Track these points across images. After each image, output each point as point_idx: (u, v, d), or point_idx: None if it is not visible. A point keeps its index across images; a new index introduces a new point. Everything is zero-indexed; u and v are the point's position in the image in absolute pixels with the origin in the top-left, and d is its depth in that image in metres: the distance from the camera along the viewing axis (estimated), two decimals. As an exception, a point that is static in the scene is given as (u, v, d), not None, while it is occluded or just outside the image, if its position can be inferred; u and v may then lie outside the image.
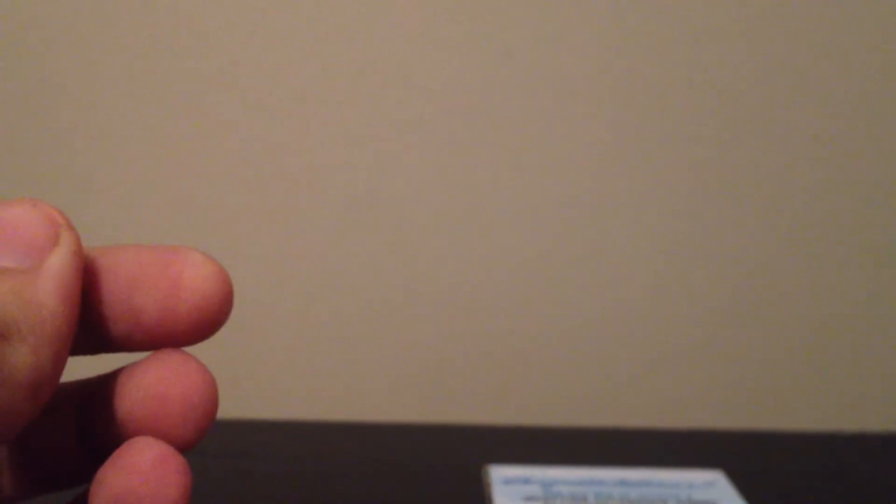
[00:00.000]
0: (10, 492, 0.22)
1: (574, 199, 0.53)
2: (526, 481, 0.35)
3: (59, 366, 0.19)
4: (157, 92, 0.55)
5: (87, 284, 0.20)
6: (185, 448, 0.20)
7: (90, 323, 0.21)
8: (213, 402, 0.20)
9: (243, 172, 0.55)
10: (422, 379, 0.55)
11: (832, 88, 0.52)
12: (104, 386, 0.21)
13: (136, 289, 0.21)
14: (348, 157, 0.53)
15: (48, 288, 0.19)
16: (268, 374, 0.53)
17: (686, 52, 0.52)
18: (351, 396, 0.56)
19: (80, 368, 0.23)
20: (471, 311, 0.54)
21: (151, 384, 0.20)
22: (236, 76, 0.54)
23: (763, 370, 0.50)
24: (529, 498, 0.33)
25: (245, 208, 0.54)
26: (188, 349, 0.21)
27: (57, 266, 0.19)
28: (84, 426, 0.21)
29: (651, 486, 0.34)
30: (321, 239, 0.54)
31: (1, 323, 0.18)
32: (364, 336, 0.55)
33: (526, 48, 0.51)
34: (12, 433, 0.18)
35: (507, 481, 0.35)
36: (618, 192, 0.53)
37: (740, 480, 0.35)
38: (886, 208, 0.50)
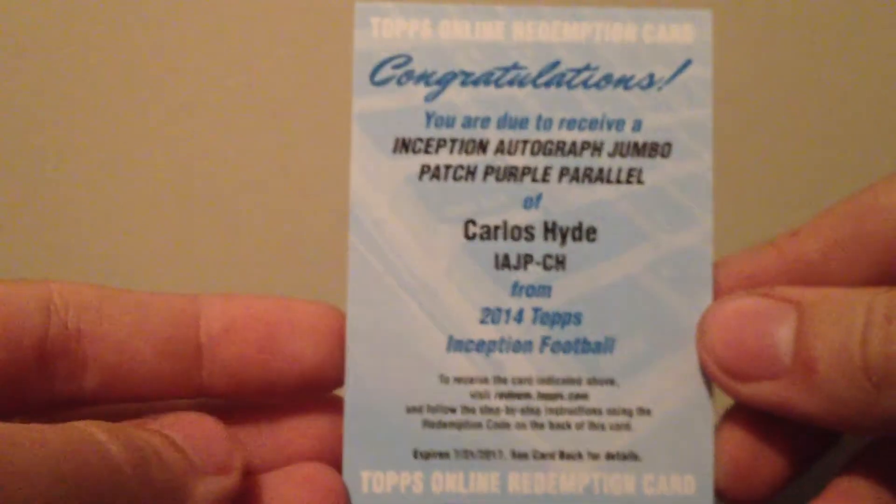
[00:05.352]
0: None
1: None
2: (405, 67, 0.26)
3: None
4: (150, 91, 0.50)
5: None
6: None
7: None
8: None
9: (240, 173, 0.51)
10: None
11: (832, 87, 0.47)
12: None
13: None
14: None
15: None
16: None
17: None
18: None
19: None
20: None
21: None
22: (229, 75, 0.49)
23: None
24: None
25: (246, 209, 0.51)
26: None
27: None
28: None
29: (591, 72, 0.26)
30: (323, 238, 0.51)
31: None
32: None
33: None
34: None
35: (379, 66, 0.26)
36: None
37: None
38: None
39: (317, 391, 0.25)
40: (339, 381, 0.25)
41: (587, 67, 0.26)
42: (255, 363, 0.24)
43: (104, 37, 0.52)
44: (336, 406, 0.25)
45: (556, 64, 0.26)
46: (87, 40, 0.52)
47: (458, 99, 0.25)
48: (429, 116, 0.25)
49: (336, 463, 0.24)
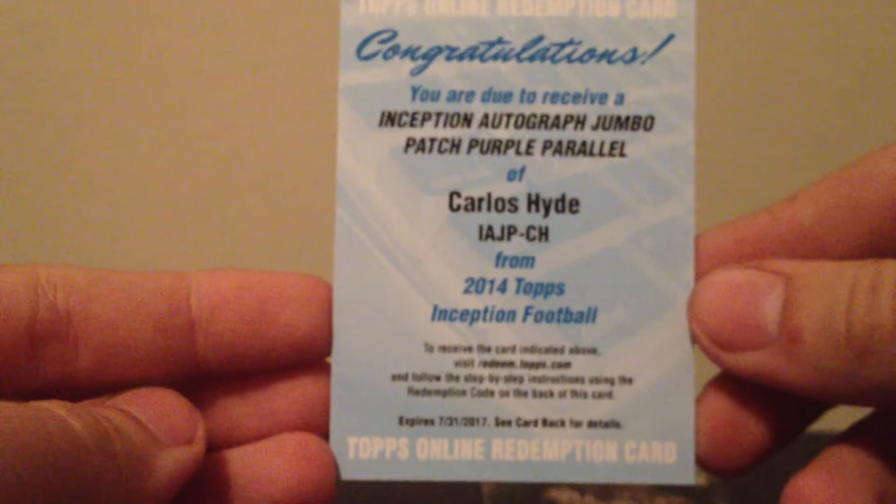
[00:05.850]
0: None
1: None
2: (391, 42, 0.26)
3: None
4: (149, 91, 0.51)
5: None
6: None
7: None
8: None
9: (240, 172, 0.52)
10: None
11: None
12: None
13: None
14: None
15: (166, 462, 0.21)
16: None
17: None
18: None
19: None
20: None
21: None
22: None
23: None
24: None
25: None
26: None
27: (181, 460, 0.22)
28: None
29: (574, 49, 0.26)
30: (323, 237, 0.52)
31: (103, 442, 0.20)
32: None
33: None
34: None
35: (365, 41, 0.26)
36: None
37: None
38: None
39: (309, 359, 0.25)
40: (329, 350, 0.25)
41: (571, 42, 0.26)
42: (249, 335, 0.24)
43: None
44: (322, 370, 0.25)
45: (539, 38, 0.26)
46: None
47: (443, 73, 0.26)
48: (414, 90, 0.26)
49: (324, 428, 0.25)
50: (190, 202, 0.55)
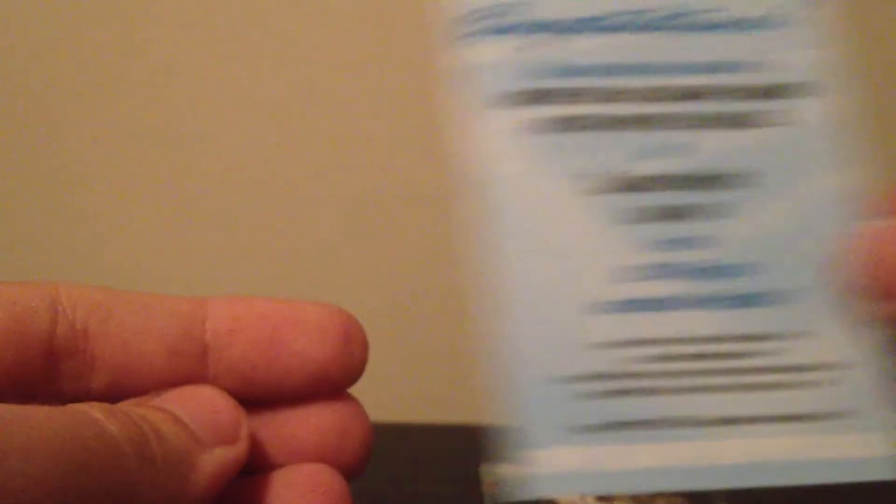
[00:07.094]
0: None
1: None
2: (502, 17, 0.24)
3: None
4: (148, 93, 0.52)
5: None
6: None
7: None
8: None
9: (241, 173, 0.53)
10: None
11: None
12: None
13: None
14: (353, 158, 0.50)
15: (206, 465, 0.21)
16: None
17: None
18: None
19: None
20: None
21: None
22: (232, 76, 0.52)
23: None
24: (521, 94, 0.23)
25: (243, 211, 0.53)
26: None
27: (220, 460, 0.21)
28: None
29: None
30: (325, 238, 0.52)
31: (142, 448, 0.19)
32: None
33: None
34: None
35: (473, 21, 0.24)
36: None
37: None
38: None
39: (326, 389, 0.24)
40: (347, 382, 0.24)
41: (715, 9, 0.24)
42: (262, 362, 0.23)
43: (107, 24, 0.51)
44: (341, 400, 0.24)
45: (683, 8, 0.24)
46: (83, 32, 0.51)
47: (578, 46, 0.24)
48: (538, 67, 0.24)
49: (339, 459, 0.23)
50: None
